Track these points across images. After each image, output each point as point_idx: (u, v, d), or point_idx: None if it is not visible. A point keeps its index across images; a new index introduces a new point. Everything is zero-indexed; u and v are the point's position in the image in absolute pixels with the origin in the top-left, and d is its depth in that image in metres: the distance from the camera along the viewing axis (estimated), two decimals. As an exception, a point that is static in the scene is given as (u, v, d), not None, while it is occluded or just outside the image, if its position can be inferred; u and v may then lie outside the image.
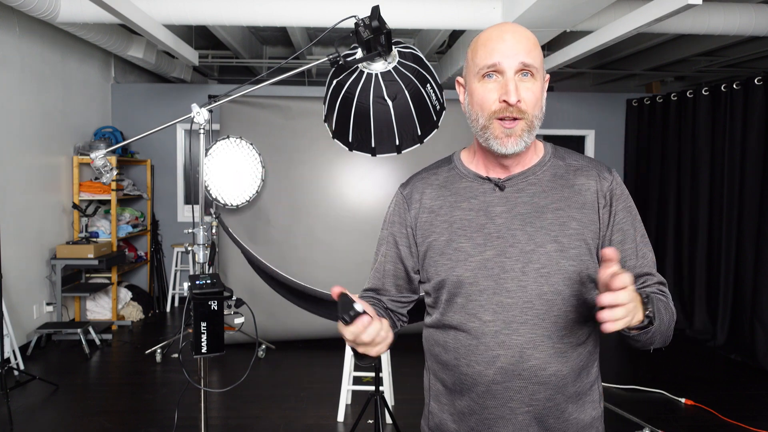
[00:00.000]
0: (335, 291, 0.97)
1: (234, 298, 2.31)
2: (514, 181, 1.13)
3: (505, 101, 1.04)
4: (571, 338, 1.09)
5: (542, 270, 1.07)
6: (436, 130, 1.68)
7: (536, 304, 1.07)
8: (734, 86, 4.80)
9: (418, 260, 1.20)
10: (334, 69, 1.55)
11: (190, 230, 2.30)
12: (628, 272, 0.89)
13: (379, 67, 1.49)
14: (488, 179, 1.14)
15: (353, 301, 0.96)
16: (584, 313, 1.10)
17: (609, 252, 0.90)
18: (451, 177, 1.19)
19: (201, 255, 2.26)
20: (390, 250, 1.23)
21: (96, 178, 5.47)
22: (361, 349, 1.00)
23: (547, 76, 1.12)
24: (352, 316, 0.95)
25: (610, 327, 0.88)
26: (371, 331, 0.96)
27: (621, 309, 0.87)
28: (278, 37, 6.68)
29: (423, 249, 1.17)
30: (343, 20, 1.65)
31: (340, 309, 0.96)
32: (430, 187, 1.20)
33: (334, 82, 1.55)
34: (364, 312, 0.96)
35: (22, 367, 4.20)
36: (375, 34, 1.40)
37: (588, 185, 1.12)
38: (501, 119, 1.06)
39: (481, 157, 1.16)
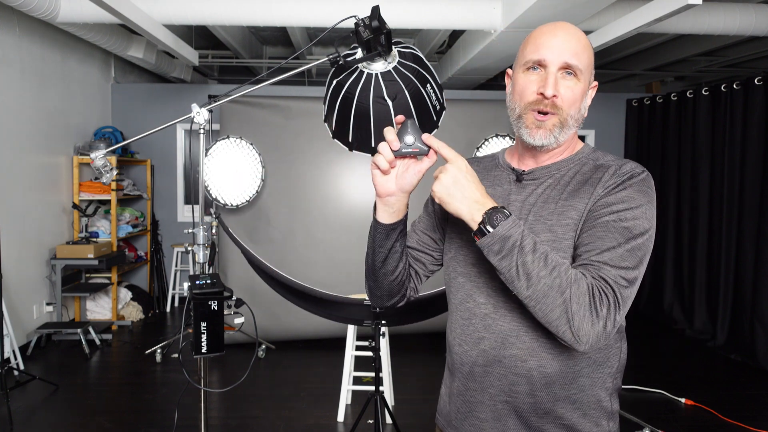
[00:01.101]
0: (399, 119, 1.09)
1: (234, 298, 2.31)
2: (537, 173, 1.15)
3: (541, 94, 1.07)
4: None
5: None
6: (436, 130, 1.68)
7: None
8: (734, 86, 4.80)
9: (444, 234, 1.26)
10: (333, 69, 1.54)
11: (190, 230, 2.30)
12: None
13: (379, 67, 1.48)
14: (513, 170, 1.18)
15: (412, 134, 1.05)
16: None
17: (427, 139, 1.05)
18: (489, 166, 1.26)
19: (201, 255, 2.26)
20: (426, 217, 1.31)
21: (96, 178, 5.47)
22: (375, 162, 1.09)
23: (595, 83, 1.15)
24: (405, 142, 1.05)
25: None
26: (382, 162, 1.06)
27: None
28: (278, 37, 6.68)
29: (447, 225, 1.25)
30: (343, 20, 1.65)
31: (402, 130, 1.06)
32: None
33: (334, 82, 1.55)
34: (414, 149, 1.05)
35: (22, 367, 4.20)
36: (375, 34, 1.40)
37: (599, 176, 1.08)
38: (535, 111, 1.08)
39: (517, 149, 1.21)
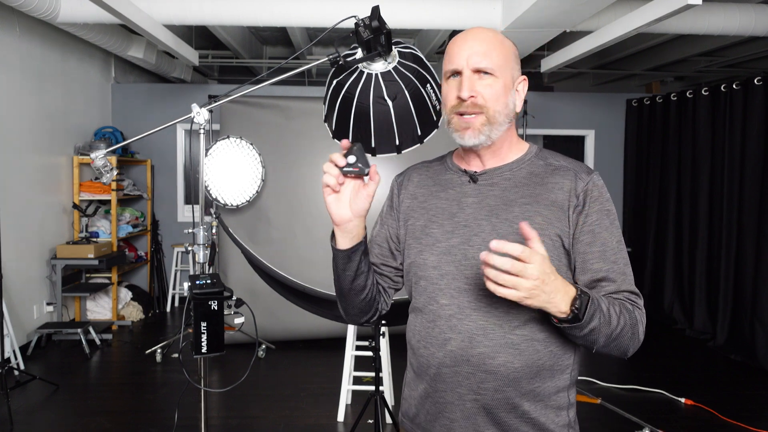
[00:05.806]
0: (344, 144, 1.10)
1: (234, 298, 2.31)
2: (489, 175, 1.18)
3: (459, 97, 1.11)
4: (524, 331, 1.10)
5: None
6: (436, 130, 1.68)
7: (491, 293, 1.07)
8: (734, 86, 4.79)
9: (399, 242, 1.27)
10: (334, 69, 1.55)
11: (190, 230, 2.30)
12: (541, 253, 0.92)
13: (379, 67, 1.49)
14: (465, 172, 1.21)
15: (357, 158, 1.09)
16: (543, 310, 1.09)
17: (524, 227, 0.94)
18: (440, 170, 1.27)
19: (201, 255, 2.26)
20: (381, 230, 1.32)
21: (96, 178, 5.47)
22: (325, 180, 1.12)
23: (523, 77, 1.18)
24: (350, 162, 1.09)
25: (490, 286, 0.93)
26: (331, 171, 1.09)
27: (508, 277, 0.91)
28: (278, 37, 6.68)
29: (403, 232, 1.26)
30: (343, 20, 1.65)
31: (349, 153, 1.10)
32: (419, 177, 1.29)
33: (334, 82, 1.55)
34: (358, 169, 1.08)
35: (22, 367, 4.20)
36: (375, 34, 1.40)
37: (562, 184, 1.13)
38: (459, 114, 1.13)
39: (461, 152, 1.24)
